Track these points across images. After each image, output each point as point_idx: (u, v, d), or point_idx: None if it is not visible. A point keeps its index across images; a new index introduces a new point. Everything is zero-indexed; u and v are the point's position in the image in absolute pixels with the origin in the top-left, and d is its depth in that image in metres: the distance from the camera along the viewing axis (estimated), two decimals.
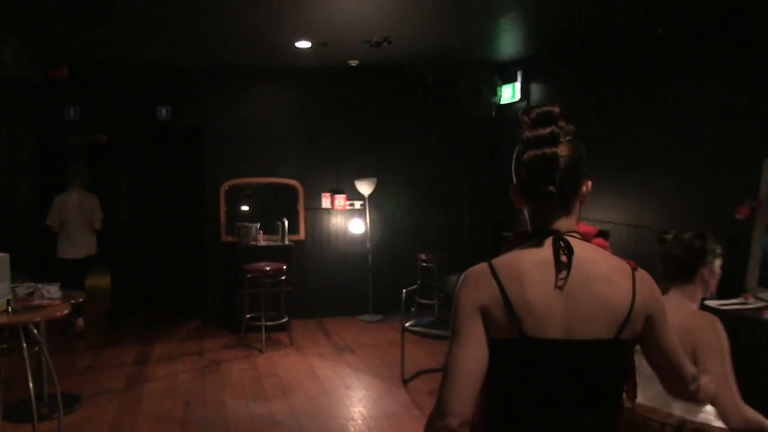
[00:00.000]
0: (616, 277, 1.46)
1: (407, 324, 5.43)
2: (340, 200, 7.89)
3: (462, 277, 1.50)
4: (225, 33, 5.81)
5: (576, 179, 1.49)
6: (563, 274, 1.44)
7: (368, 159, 7.95)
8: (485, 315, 1.44)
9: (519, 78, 7.17)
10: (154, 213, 8.49)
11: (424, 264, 7.63)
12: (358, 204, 7.92)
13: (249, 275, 6.63)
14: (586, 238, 1.52)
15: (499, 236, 6.88)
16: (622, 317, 1.43)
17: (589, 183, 1.53)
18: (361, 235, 7.88)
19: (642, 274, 1.50)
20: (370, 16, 5.10)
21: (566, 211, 1.51)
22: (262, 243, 7.26)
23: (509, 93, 7.30)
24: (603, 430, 1.47)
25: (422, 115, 8.12)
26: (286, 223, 7.34)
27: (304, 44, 6.16)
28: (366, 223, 7.81)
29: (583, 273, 1.44)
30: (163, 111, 7.39)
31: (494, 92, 7.34)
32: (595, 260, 1.47)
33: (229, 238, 7.49)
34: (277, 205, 7.75)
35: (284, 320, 6.83)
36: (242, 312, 6.84)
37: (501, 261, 1.49)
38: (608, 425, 1.48)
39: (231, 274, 7.34)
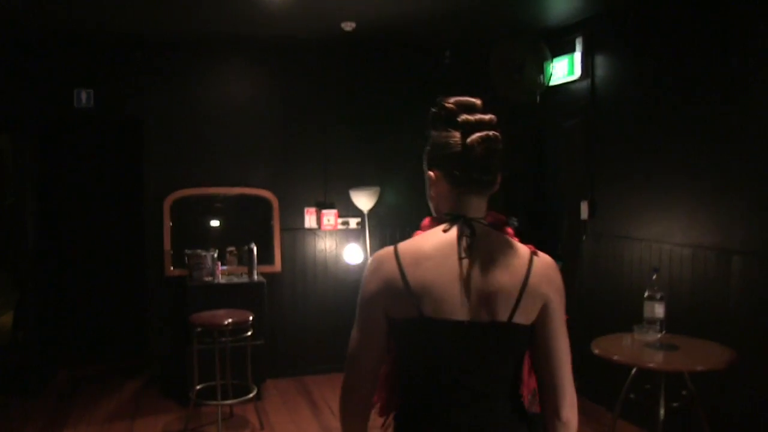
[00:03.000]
0: (513, 262, 1.47)
1: None
2: (330, 217, 5.91)
3: (369, 260, 1.54)
4: None
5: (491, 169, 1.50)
6: (464, 256, 1.46)
7: (368, 162, 6.01)
8: (387, 295, 1.48)
9: (578, 47, 5.24)
10: (77, 235, 6.38)
11: None
12: (353, 222, 5.97)
13: (199, 329, 4.61)
14: (496, 226, 1.54)
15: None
16: (513, 299, 1.44)
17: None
18: (358, 264, 5.89)
19: (542, 259, 1.51)
20: None
21: (479, 198, 1.52)
22: (222, 280, 5.26)
23: (564, 69, 5.39)
24: (507, 417, 1.49)
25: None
26: (255, 249, 5.36)
27: None
28: (366, 248, 5.84)
29: (483, 257, 1.46)
30: (83, 96, 5.34)
31: (541, 68, 5.42)
32: (496, 246, 1.49)
33: (177, 272, 5.47)
34: (242, 226, 5.81)
35: (250, 395, 4.78)
36: (190, 379, 4.84)
37: (405, 244, 1.53)
38: (513, 414, 1.49)
39: (180, 320, 5.33)
